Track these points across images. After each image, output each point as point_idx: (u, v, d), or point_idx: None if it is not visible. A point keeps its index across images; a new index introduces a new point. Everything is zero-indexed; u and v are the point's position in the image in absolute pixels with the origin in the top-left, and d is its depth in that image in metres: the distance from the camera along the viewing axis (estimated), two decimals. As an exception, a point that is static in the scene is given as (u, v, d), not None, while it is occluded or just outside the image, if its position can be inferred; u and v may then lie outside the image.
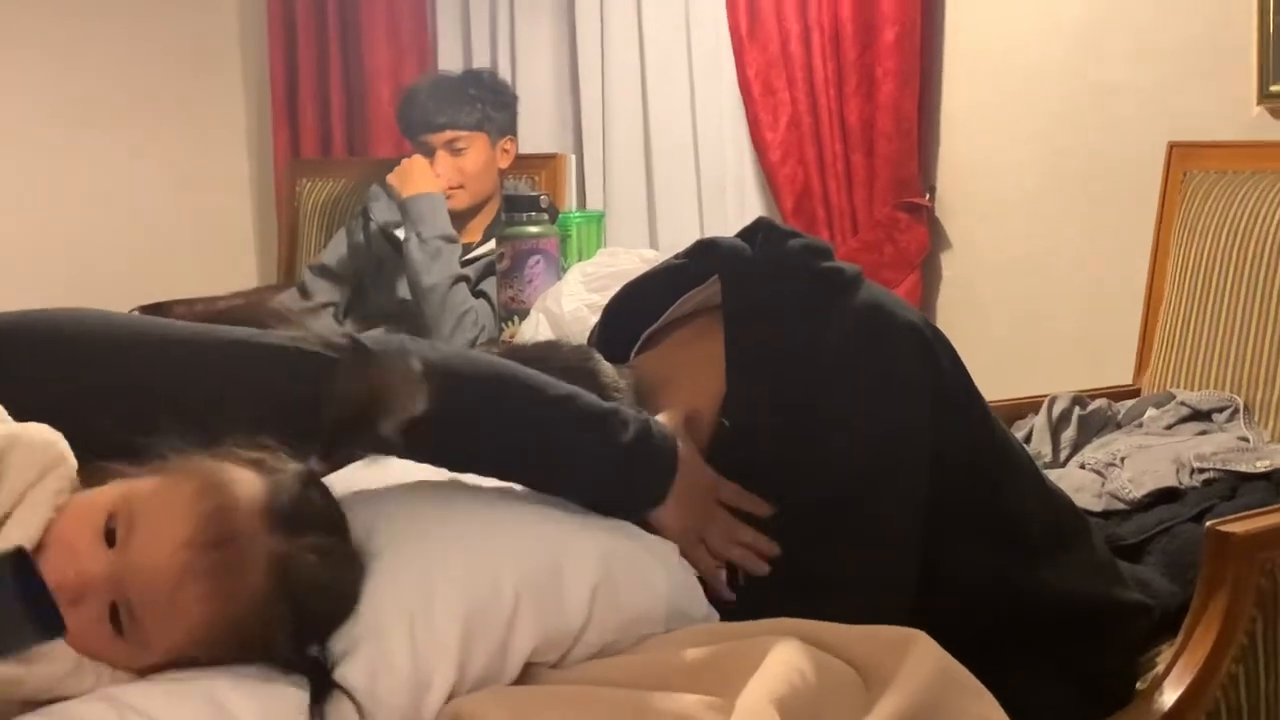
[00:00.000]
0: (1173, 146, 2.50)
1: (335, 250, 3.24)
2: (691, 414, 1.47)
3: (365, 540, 1.22)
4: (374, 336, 1.31)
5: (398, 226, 3.10)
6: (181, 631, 1.11)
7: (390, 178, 3.03)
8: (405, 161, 3.04)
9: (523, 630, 1.19)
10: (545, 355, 1.53)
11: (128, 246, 3.93)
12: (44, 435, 1.16)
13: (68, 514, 1.14)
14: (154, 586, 1.10)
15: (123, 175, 3.96)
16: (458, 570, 1.19)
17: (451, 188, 3.02)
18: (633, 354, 1.63)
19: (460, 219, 3.01)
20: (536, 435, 1.32)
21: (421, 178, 2.98)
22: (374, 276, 3.14)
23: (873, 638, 1.20)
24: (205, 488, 1.13)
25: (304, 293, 3.14)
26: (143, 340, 1.25)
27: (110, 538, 1.11)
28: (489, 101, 3.06)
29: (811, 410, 1.45)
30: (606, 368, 1.53)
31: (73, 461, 1.16)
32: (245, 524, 1.13)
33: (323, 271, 3.21)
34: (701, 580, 1.37)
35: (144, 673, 1.13)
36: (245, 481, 1.15)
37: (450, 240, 2.92)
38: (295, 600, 1.13)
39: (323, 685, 1.11)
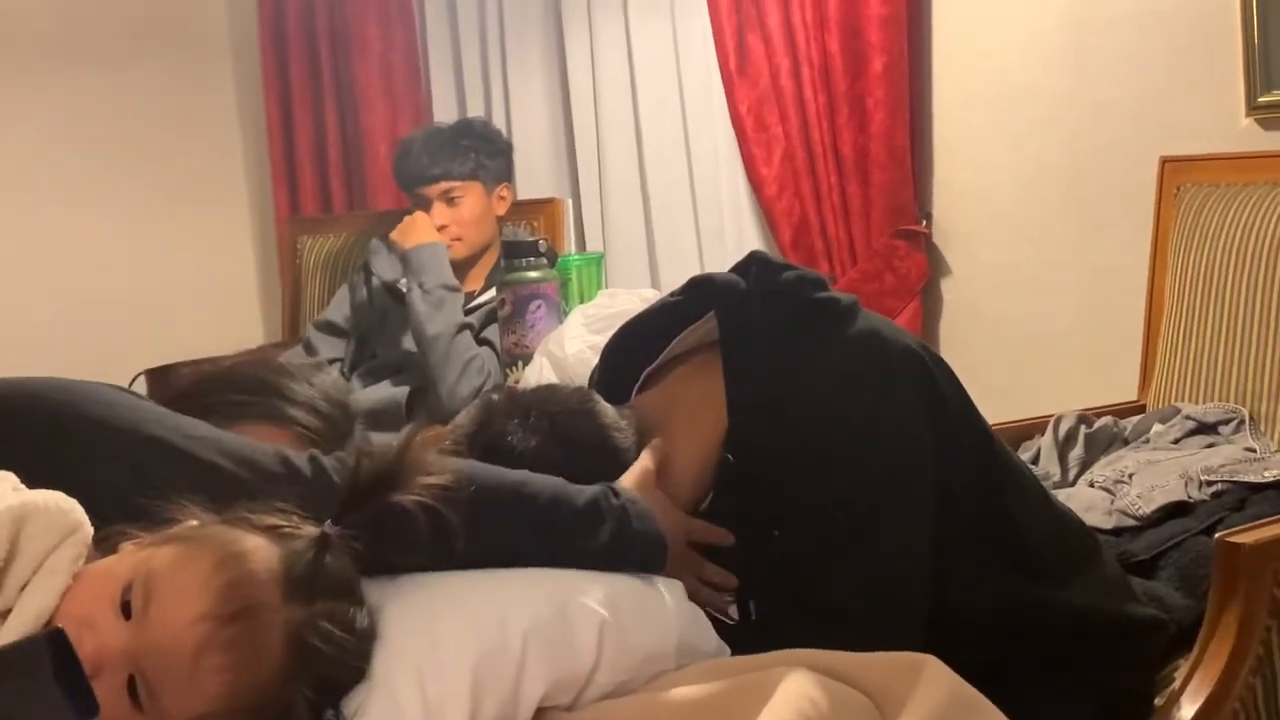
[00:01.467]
0: (1165, 161, 2.51)
1: (339, 306, 3.25)
2: (678, 453, 1.48)
3: (375, 607, 1.22)
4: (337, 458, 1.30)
5: (399, 280, 3.11)
6: (200, 703, 1.11)
7: (393, 234, 3.05)
8: (407, 218, 3.06)
9: (533, 674, 1.19)
10: (545, 399, 1.54)
11: (132, 310, 3.94)
12: (60, 502, 1.16)
13: (83, 584, 1.14)
14: (172, 660, 1.10)
15: (125, 239, 3.98)
16: (463, 618, 1.20)
17: (450, 238, 3.04)
18: (634, 393, 1.64)
19: (460, 268, 3.03)
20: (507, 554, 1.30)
21: (423, 230, 3.00)
22: (378, 330, 3.15)
23: (883, 664, 1.20)
24: (223, 560, 1.13)
25: (309, 349, 3.15)
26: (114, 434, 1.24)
27: (126, 609, 1.12)
28: (482, 150, 3.08)
29: (814, 441, 1.46)
30: (606, 409, 1.54)
31: (89, 528, 1.17)
32: (263, 595, 1.13)
33: (327, 327, 3.22)
34: (707, 613, 1.38)
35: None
36: (261, 550, 1.15)
37: (453, 289, 2.93)
38: (312, 667, 1.13)
39: None
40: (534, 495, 1.31)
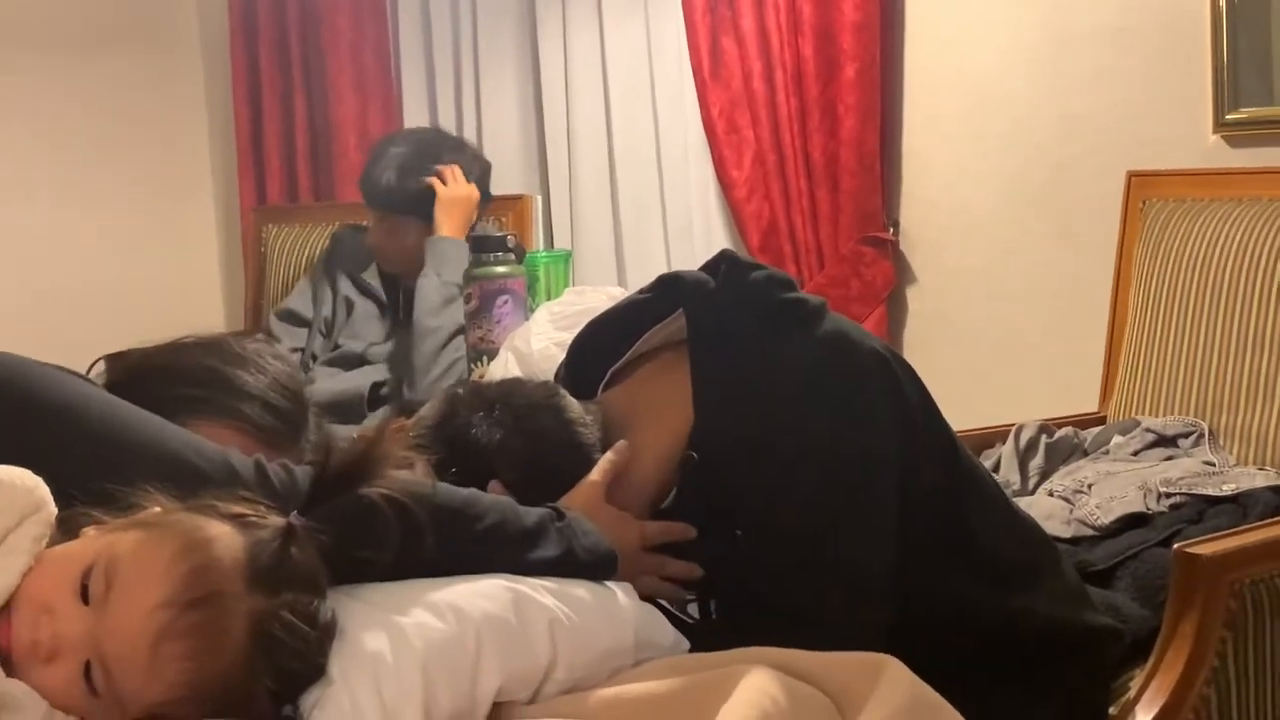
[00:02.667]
0: (1131, 176, 2.52)
1: (300, 295, 3.23)
2: (642, 450, 1.49)
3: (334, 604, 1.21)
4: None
5: (362, 270, 3.10)
6: (158, 691, 1.10)
7: (441, 194, 2.97)
8: (456, 188, 2.99)
9: (488, 669, 1.19)
10: (510, 393, 1.54)
11: (94, 295, 3.91)
12: (24, 479, 1.15)
13: (44, 568, 1.13)
14: (131, 647, 1.09)
15: (89, 228, 3.94)
16: (418, 615, 1.19)
17: (388, 257, 3.03)
18: (600, 390, 1.64)
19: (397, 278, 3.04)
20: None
21: (462, 211, 2.97)
22: (342, 322, 3.13)
23: (844, 664, 1.20)
24: (186, 546, 1.12)
25: (270, 338, 3.13)
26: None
27: (86, 594, 1.10)
28: (431, 198, 2.99)
29: (779, 440, 1.46)
30: (572, 404, 1.54)
31: (52, 508, 1.16)
32: (226, 583, 1.12)
33: (289, 316, 3.20)
34: (662, 607, 1.38)
35: (116, 728, 1.12)
36: (226, 539, 1.14)
37: (463, 291, 2.90)
38: (273, 658, 1.12)
39: None
40: (481, 514, 1.30)
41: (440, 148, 3.08)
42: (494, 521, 1.30)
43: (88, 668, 1.09)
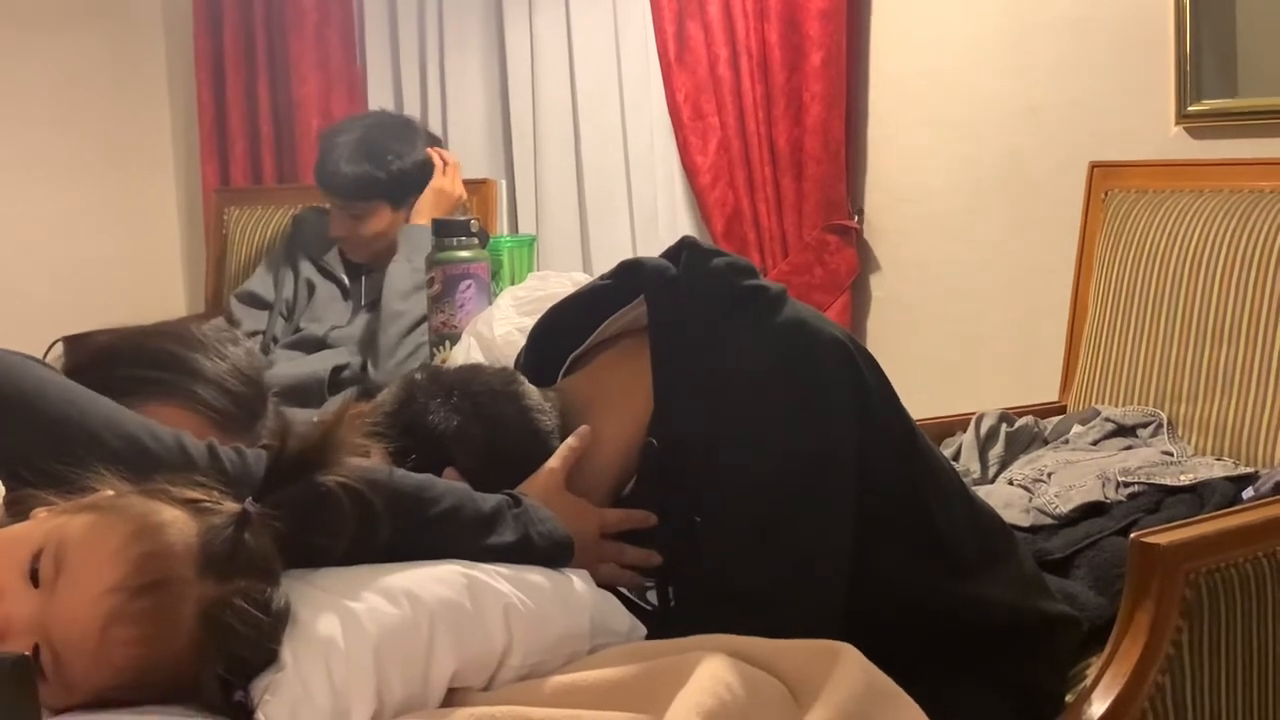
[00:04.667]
0: (1094, 166, 2.53)
1: (261, 278, 3.21)
2: (602, 437, 1.49)
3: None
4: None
5: (324, 253, 3.08)
6: (107, 675, 1.09)
7: (438, 180, 2.98)
8: (449, 166, 3.01)
9: (441, 655, 1.19)
10: (468, 379, 1.53)
11: (54, 276, 3.88)
12: None
13: None
14: (80, 630, 1.08)
15: (49, 204, 3.92)
16: (370, 600, 1.18)
17: (348, 245, 3.03)
18: (560, 376, 1.63)
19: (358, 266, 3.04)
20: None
21: (449, 192, 2.98)
22: (304, 305, 3.11)
23: (799, 651, 1.20)
24: (137, 531, 1.11)
25: (230, 321, 3.11)
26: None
27: (35, 577, 1.09)
28: (407, 168, 2.99)
29: (738, 427, 1.46)
30: (531, 390, 1.53)
31: (0, 488, 1.15)
32: (178, 569, 1.11)
33: (249, 299, 3.18)
34: (619, 594, 1.38)
35: (66, 711, 1.11)
36: (179, 524, 1.13)
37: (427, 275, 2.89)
38: (224, 645, 1.12)
39: None
40: (436, 499, 1.29)
41: (393, 128, 3.08)
42: (449, 506, 1.29)
43: (36, 651, 1.08)
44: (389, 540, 1.23)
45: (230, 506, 1.17)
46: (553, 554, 1.33)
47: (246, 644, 1.12)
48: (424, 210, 2.97)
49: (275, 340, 3.07)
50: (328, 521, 1.20)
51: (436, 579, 1.22)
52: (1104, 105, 2.76)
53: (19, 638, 1.08)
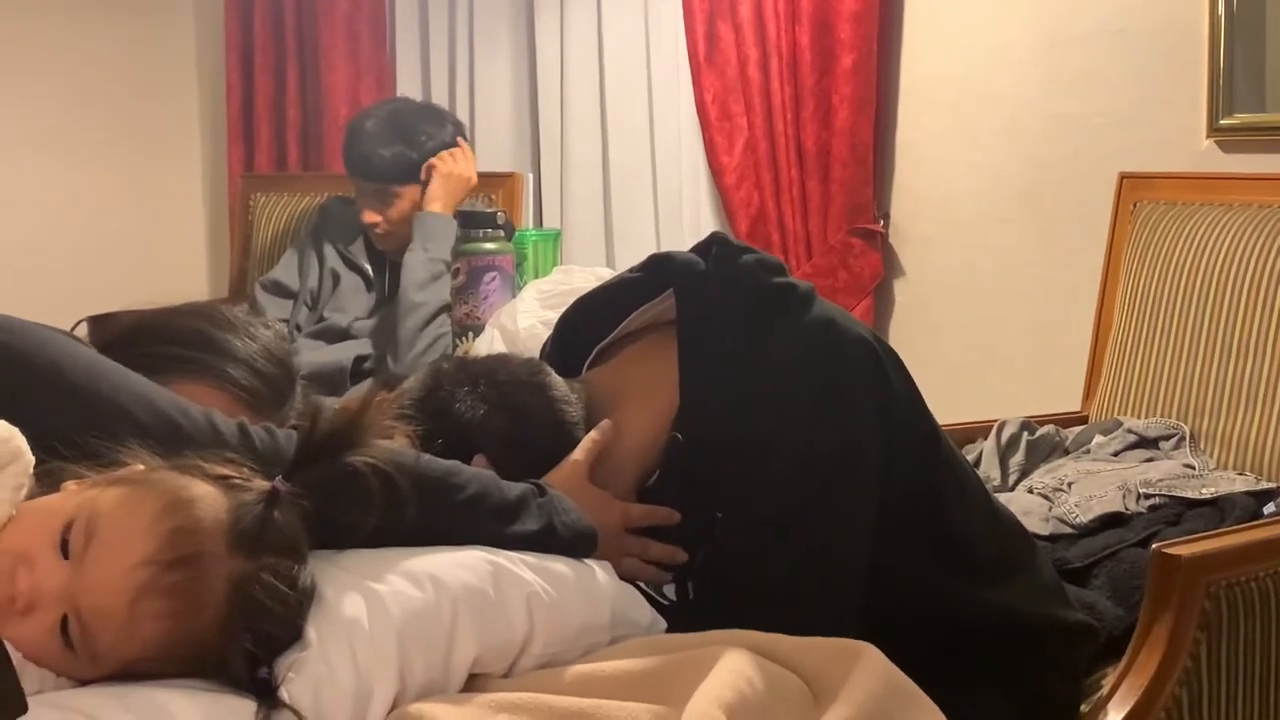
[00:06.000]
0: (1123, 177, 2.52)
1: (286, 267, 3.21)
2: (627, 430, 1.49)
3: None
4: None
5: (349, 244, 3.08)
6: (134, 648, 1.10)
7: (441, 166, 2.97)
8: (461, 156, 2.99)
9: (463, 641, 1.19)
10: (495, 368, 1.53)
11: (78, 257, 3.90)
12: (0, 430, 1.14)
13: (23, 519, 1.12)
14: (108, 602, 1.08)
15: (75, 186, 3.93)
16: (395, 584, 1.19)
17: (380, 230, 3.02)
18: (585, 367, 1.63)
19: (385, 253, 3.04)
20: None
21: (461, 185, 2.97)
22: (328, 295, 3.12)
23: (820, 649, 1.20)
24: (170, 505, 1.11)
25: (255, 309, 3.12)
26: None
27: (66, 548, 1.10)
28: (436, 148, 3.00)
29: (763, 424, 1.46)
30: (557, 381, 1.53)
31: (29, 457, 1.15)
32: (208, 544, 1.11)
33: (274, 287, 3.18)
34: (639, 587, 1.38)
35: (92, 682, 1.11)
36: (210, 499, 1.14)
37: (450, 267, 2.89)
38: (251, 621, 1.12)
39: (269, 703, 1.10)
40: (462, 485, 1.30)
41: (420, 110, 3.08)
42: (475, 493, 1.30)
43: (64, 622, 1.09)
44: (414, 523, 1.24)
45: (260, 484, 1.17)
46: (576, 544, 1.33)
47: (274, 619, 1.13)
48: (436, 195, 2.95)
49: (299, 329, 3.07)
50: (355, 501, 1.20)
51: (461, 564, 1.22)
52: (1134, 117, 2.75)
53: (48, 608, 1.08)
